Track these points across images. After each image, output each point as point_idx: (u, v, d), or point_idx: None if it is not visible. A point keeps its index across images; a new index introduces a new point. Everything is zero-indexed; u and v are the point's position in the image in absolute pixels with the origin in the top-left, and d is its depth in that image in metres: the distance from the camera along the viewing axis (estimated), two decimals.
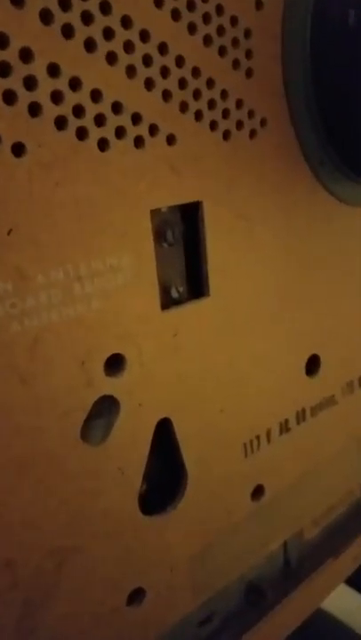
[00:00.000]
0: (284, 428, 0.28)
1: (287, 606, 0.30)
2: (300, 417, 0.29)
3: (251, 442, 0.26)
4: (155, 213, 0.21)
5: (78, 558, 0.21)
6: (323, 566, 0.32)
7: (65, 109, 0.17)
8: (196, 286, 0.23)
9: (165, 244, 0.22)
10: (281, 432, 0.28)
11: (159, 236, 0.22)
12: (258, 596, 0.30)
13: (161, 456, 0.23)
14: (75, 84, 0.17)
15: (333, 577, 0.33)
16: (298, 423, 0.28)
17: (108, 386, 0.20)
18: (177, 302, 0.23)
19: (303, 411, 0.29)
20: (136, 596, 0.24)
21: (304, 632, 0.32)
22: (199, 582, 0.26)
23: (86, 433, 0.20)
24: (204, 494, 0.25)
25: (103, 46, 0.17)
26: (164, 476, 0.24)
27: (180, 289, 0.23)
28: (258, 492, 0.28)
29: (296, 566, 0.32)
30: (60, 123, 0.17)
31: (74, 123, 0.17)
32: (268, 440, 0.27)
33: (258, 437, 0.27)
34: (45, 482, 0.19)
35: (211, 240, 0.22)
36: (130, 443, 0.21)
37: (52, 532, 0.20)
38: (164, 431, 0.23)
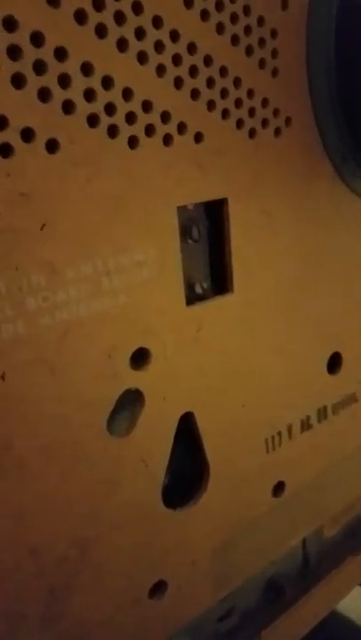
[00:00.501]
0: (306, 424, 0.28)
1: (306, 603, 0.30)
2: (322, 414, 0.29)
3: (272, 437, 0.26)
4: (181, 210, 0.21)
5: (101, 548, 0.21)
6: (342, 564, 0.32)
7: (97, 107, 0.18)
8: (220, 282, 0.23)
9: (190, 241, 0.22)
10: (302, 429, 0.28)
11: (185, 232, 0.22)
12: (277, 593, 0.30)
13: (183, 450, 0.24)
14: (107, 82, 0.18)
15: (352, 575, 0.33)
16: (319, 421, 0.29)
17: (134, 379, 0.21)
18: (201, 298, 0.23)
19: (325, 408, 0.29)
20: (158, 588, 0.24)
21: (316, 631, 0.32)
22: (220, 577, 0.26)
23: (111, 425, 0.21)
24: (225, 489, 0.25)
25: (135, 46, 0.18)
26: (187, 470, 0.24)
27: (205, 285, 0.23)
28: (279, 487, 0.28)
29: (315, 564, 0.32)
30: (93, 120, 0.18)
31: (105, 120, 0.18)
32: (290, 436, 0.27)
33: (279, 433, 0.27)
34: (70, 471, 0.20)
35: (235, 236, 0.23)
36: (154, 435, 0.22)
37: (75, 521, 0.20)
38: (186, 425, 0.23)
